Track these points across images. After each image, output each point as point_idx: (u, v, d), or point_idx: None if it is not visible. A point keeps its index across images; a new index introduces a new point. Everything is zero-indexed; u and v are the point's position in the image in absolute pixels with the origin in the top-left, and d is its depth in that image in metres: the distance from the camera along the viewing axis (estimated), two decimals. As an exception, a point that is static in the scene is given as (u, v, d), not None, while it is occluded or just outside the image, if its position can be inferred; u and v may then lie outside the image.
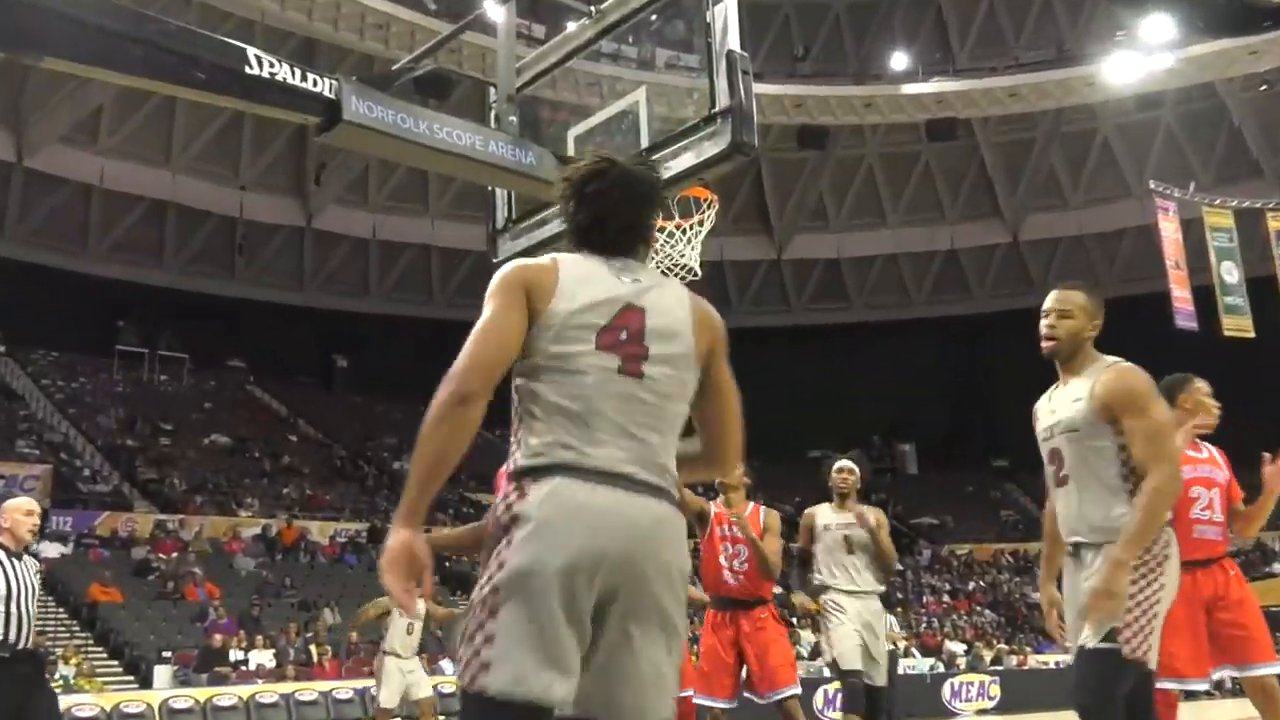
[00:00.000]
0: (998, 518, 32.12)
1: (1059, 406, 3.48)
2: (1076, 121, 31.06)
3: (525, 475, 2.14)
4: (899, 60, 29.56)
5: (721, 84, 2.99)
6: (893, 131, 31.23)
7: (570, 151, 3.91)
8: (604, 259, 2.29)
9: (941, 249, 33.43)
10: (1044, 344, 3.49)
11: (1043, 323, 3.50)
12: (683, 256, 7.14)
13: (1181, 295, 18.60)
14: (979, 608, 25.85)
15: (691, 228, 7.27)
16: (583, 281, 2.24)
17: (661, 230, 7.14)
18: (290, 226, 30.60)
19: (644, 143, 3.35)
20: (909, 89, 28.88)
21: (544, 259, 2.27)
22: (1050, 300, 3.52)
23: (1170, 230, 19.12)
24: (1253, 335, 18.48)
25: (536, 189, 3.71)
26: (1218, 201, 20.14)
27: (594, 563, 2.06)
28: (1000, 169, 32.58)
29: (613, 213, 2.29)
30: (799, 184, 32.59)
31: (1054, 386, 3.57)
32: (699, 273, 7.64)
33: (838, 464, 6.11)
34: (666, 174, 3.23)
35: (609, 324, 2.21)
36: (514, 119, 3.78)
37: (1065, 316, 3.49)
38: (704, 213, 7.42)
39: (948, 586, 27.05)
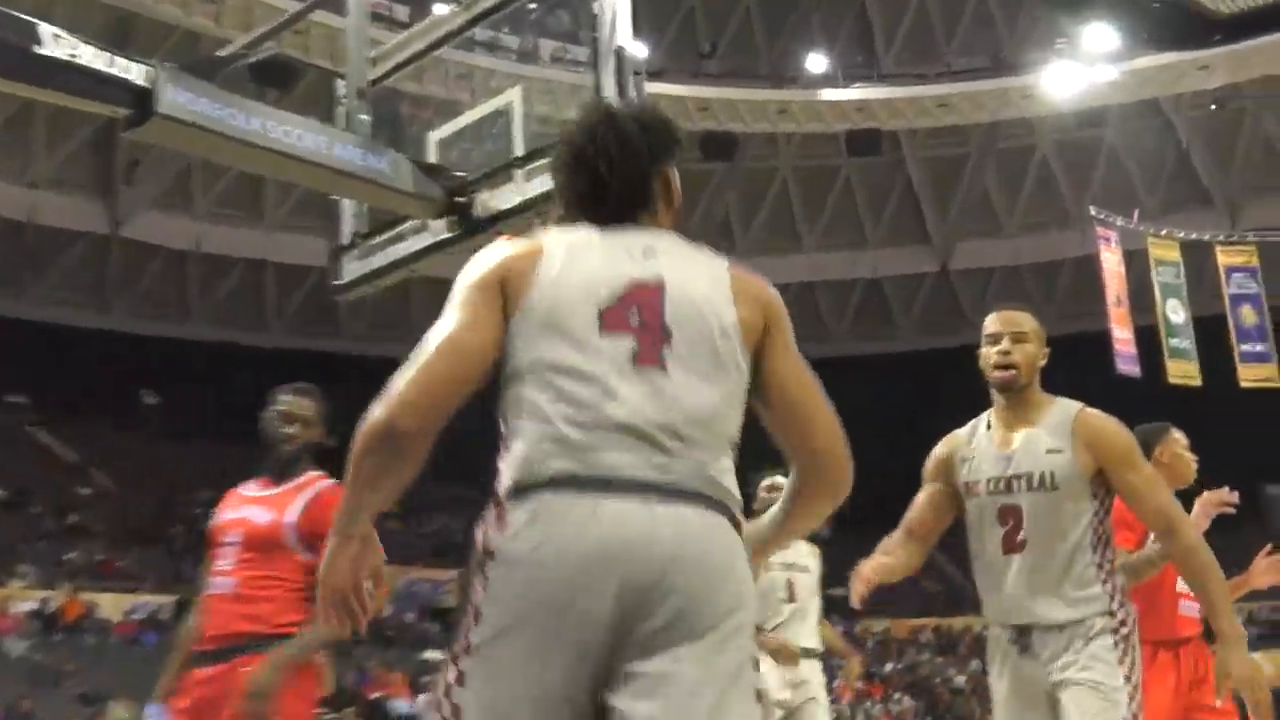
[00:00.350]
0: (919, 589, 32.77)
1: (1021, 455, 3.35)
2: (1013, 137, 32.31)
3: (508, 497, 1.98)
4: (817, 62, 30.34)
5: (609, 84, 3.04)
6: (809, 143, 31.99)
7: (433, 157, 3.91)
8: (609, 229, 2.13)
9: (863, 277, 34.30)
10: (1000, 374, 3.38)
11: (993, 350, 3.40)
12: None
13: (1123, 336, 19.43)
14: (896, 694, 26.30)
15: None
16: (577, 254, 2.07)
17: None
18: (92, 234, 29.66)
19: (518, 149, 3.38)
20: (828, 95, 29.68)
21: (527, 239, 2.12)
22: (999, 323, 3.45)
23: (1112, 262, 19.99)
24: (1199, 383, 19.26)
25: (390, 200, 3.70)
26: (1164, 232, 21.13)
27: (598, 606, 1.86)
28: (928, 188, 33.64)
29: (614, 168, 2.12)
30: (702, 199, 33.06)
31: (984, 426, 3.47)
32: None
33: (768, 480, 5.62)
34: (544, 188, 3.26)
35: (615, 303, 2.03)
36: (365, 117, 3.77)
37: (1021, 340, 3.41)
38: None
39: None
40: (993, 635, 3.41)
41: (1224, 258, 20.92)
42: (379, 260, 4.28)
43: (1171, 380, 19.42)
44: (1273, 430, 23.80)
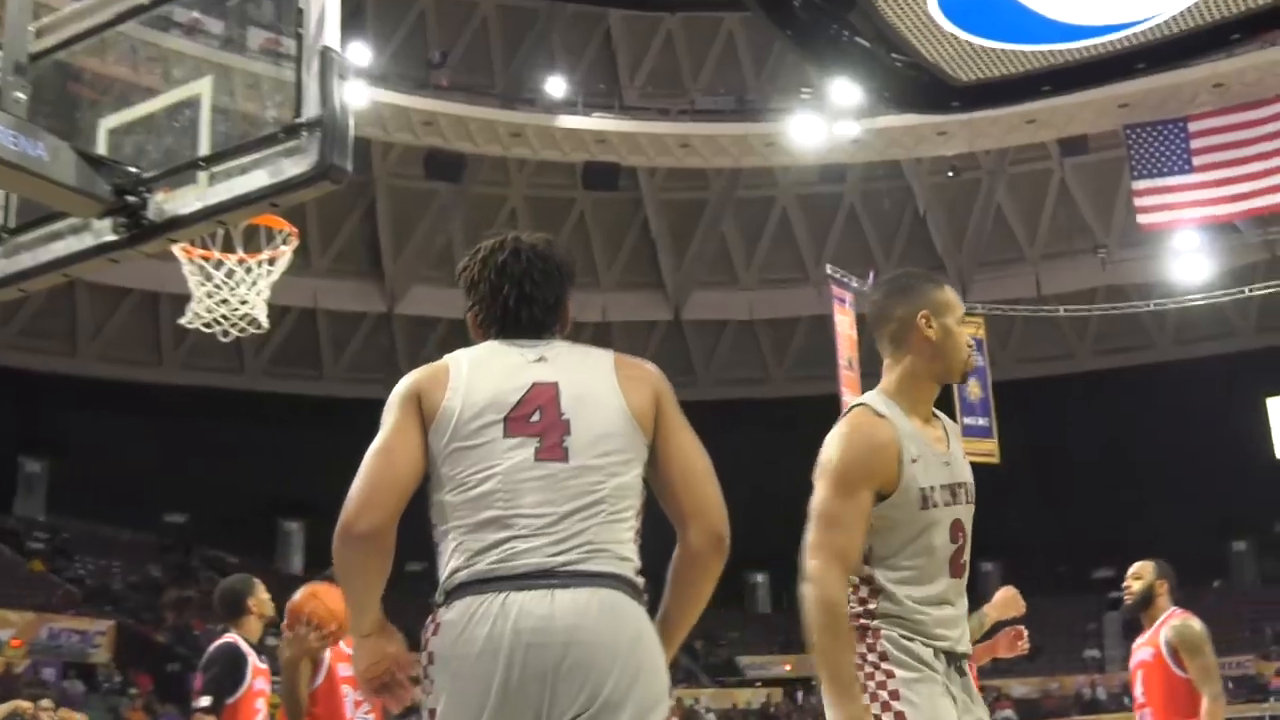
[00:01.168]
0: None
1: (955, 460, 3.13)
2: (755, 186, 33.70)
3: (441, 604, 2.48)
4: (556, 86, 30.75)
5: (313, 86, 2.93)
6: (544, 171, 32.32)
7: (102, 148, 3.66)
8: (509, 342, 2.69)
9: (592, 320, 34.75)
10: (969, 371, 3.22)
11: (971, 337, 3.20)
12: (243, 302, 6.89)
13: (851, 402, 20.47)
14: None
15: (260, 265, 7.08)
16: (480, 369, 2.60)
17: (218, 266, 6.95)
18: None
19: (202, 149, 3.21)
20: (566, 121, 30.11)
21: (435, 363, 2.66)
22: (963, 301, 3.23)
23: (845, 324, 21.07)
24: (923, 453, 20.51)
25: (45, 192, 3.43)
26: (897, 297, 22.48)
27: (519, 689, 2.35)
28: (666, 233, 34.57)
29: (537, 291, 2.74)
30: (423, 222, 32.81)
31: (900, 415, 3.11)
32: (263, 324, 7.42)
33: None
34: (229, 194, 3.11)
35: (517, 407, 2.54)
36: (22, 96, 3.49)
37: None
38: (278, 249, 7.28)
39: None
40: (934, 667, 3.00)
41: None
42: (29, 260, 3.96)
43: (895, 449, 20.56)
44: (988, 507, 25.55)
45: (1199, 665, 5.66)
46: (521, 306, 2.74)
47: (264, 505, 32.98)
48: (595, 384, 2.61)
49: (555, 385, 2.58)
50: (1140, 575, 5.94)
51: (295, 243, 7.76)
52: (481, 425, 2.53)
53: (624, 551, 2.51)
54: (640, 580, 2.54)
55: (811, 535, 3.00)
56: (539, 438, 2.52)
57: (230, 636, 5.75)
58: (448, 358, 2.67)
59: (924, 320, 3.15)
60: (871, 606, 3.01)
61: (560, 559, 2.43)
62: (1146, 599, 5.90)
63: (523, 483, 2.48)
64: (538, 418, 2.54)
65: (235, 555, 28.78)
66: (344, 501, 2.48)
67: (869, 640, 3.00)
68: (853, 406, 3.19)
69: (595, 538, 2.47)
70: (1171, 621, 5.82)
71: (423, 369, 2.67)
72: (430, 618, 2.49)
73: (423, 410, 2.57)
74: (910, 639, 2.99)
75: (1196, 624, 5.79)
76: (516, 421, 2.53)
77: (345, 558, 2.53)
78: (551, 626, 2.37)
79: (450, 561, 2.50)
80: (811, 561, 2.95)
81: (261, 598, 5.80)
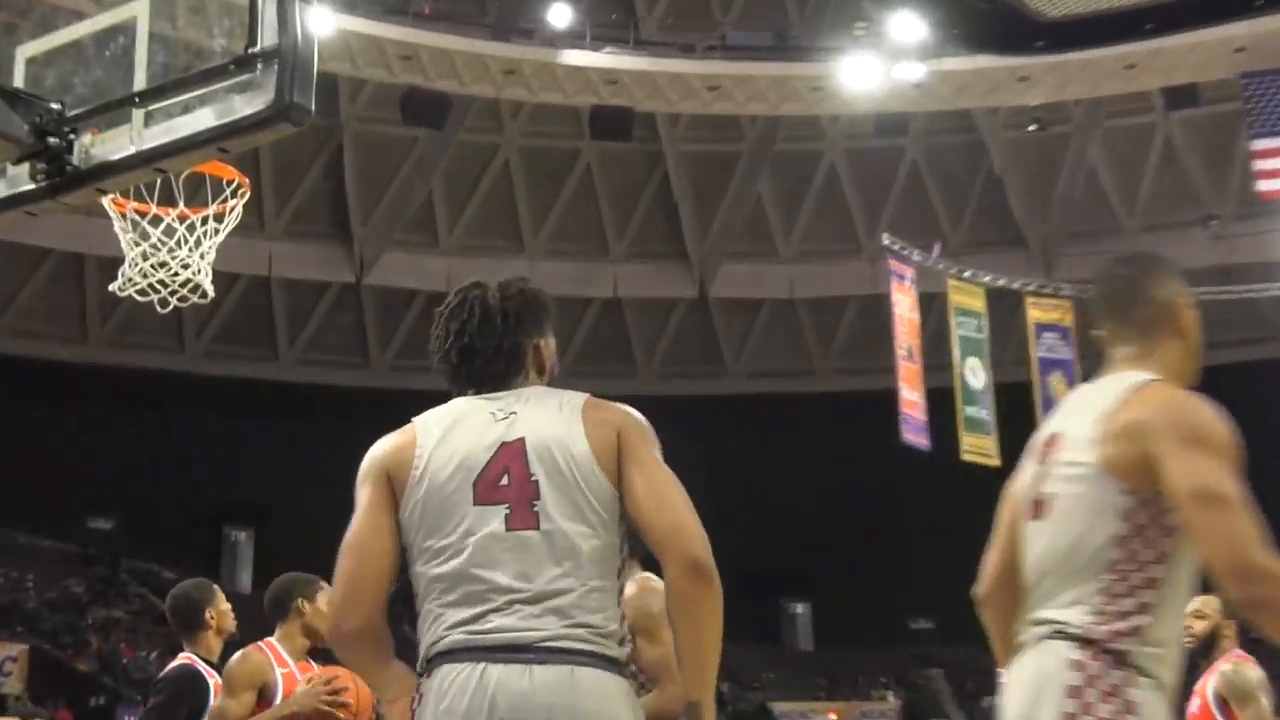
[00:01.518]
0: None
1: None
2: (797, 139, 33.54)
3: (422, 673, 2.92)
4: (559, 15, 30.63)
5: (270, 11, 2.94)
6: (543, 116, 32.22)
7: (19, 80, 3.68)
8: (476, 396, 3.09)
9: (600, 296, 34.74)
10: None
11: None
12: (185, 266, 6.90)
13: (911, 398, 20.30)
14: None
15: (205, 222, 7.08)
16: (446, 435, 3.00)
17: (155, 222, 6.96)
18: None
19: (138, 83, 3.22)
20: (570, 57, 30.01)
21: (404, 428, 3.07)
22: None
23: (905, 305, 20.92)
24: (998, 463, 20.07)
25: (-51, 132, 3.44)
26: (967, 274, 22.26)
27: None
28: (690, 193, 34.41)
29: (479, 342, 3.10)
30: (398, 176, 32.80)
31: None
32: (209, 292, 7.44)
33: None
34: (169, 136, 3.12)
35: (485, 471, 2.93)
36: (-75, 16, 3.51)
37: None
38: (227, 203, 7.29)
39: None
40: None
41: (1036, 311, 22.11)
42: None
43: (965, 456, 20.33)
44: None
45: (1251, 717, 5.65)
46: (465, 360, 3.14)
47: (206, 510, 33.09)
48: (564, 435, 2.97)
49: (522, 441, 2.96)
50: (1203, 614, 5.88)
51: (247, 196, 7.77)
52: (451, 493, 2.93)
53: (602, 622, 2.89)
54: (622, 651, 2.93)
55: (1234, 523, 2.84)
56: (508, 504, 2.91)
57: (186, 656, 5.75)
58: (416, 421, 3.08)
59: (1185, 305, 3.16)
60: (1143, 627, 2.88)
61: (536, 635, 2.83)
62: (1210, 642, 5.87)
63: (496, 554, 2.88)
64: (506, 481, 2.92)
65: (172, 569, 28.81)
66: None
67: (1115, 678, 2.85)
68: (1152, 381, 3.07)
69: (572, 611, 2.85)
70: (1220, 667, 5.80)
71: (390, 438, 3.09)
72: (415, 689, 2.94)
73: (392, 484, 3.00)
74: (1161, 689, 2.88)
75: (1250, 669, 5.78)
76: (486, 488, 2.93)
77: (343, 656, 3.14)
78: (531, 703, 2.77)
79: (429, 633, 2.93)
80: (1262, 557, 2.79)
81: (222, 608, 5.81)
